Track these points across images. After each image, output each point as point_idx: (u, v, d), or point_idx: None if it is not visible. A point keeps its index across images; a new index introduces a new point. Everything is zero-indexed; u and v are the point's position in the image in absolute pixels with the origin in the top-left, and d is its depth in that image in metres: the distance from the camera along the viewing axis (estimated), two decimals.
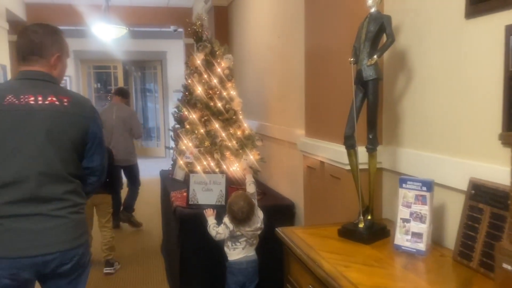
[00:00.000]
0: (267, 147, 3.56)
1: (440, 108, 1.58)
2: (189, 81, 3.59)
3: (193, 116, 3.39)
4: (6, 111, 1.63)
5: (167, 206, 3.60)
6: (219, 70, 3.38)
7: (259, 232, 2.52)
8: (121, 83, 10.24)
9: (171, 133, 4.52)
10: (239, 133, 3.35)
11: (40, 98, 1.66)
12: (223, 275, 2.58)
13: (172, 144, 4.33)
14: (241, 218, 2.41)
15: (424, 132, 1.67)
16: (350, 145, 1.67)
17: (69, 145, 1.69)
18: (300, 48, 2.55)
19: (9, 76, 6.05)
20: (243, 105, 3.47)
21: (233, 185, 3.10)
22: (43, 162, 1.64)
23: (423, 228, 1.46)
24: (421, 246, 1.46)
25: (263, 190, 3.32)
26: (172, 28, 7.88)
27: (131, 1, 7.02)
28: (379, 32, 1.60)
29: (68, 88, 7.47)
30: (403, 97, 1.79)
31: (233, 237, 2.48)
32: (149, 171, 7.02)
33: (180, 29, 7.81)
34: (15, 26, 6.49)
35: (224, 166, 3.18)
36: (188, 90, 3.66)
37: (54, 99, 1.68)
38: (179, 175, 3.61)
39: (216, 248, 2.60)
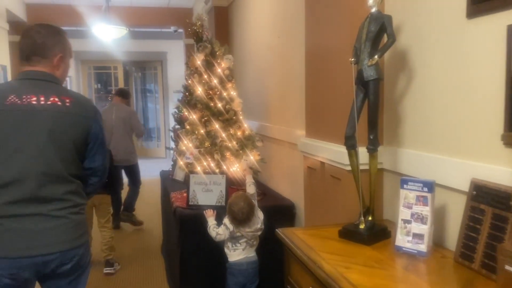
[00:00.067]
0: (267, 147, 3.55)
1: (441, 108, 1.57)
2: (189, 81, 3.58)
3: (193, 116, 3.39)
4: (8, 111, 1.63)
5: (167, 206, 3.59)
6: (219, 70, 3.37)
7: (259, 233, 2.51)
8: (121, 84, 10.25)
9: (171, 134, 4.52)
10: (239, 133, 3.34)
11: (42, 98, 1.66)
12: (223, 276, 2.57)
13: (172, 144, 4.33)
14: (241, 219, 2.40)
15: (425, 132, 1.66)
16: (350, 145, 1.67)
17: (71, 145, 1.69)
18: (301, 48, 2.55)
19: (9, 77, 6.04)
20: (243, 106, 3.46)
21: (233, 185, 3.09)
22: (44, 162, 1.64)
23: (424, 229, 1.46)
24: (422, 247, 1.45)
25: (263, 191, 3.31)
26: (172, 28, 7.88)
27: (131, 2, 7.02)
28: (380, 32, 1.59)
29: (68, 88, 7.45)
30: (404, 97, 1.78)
31: (233, 238, 2.48)
32: (150, 171, 7.02)
33: (181, 30, 7.81)
34: (16, 26, 6.49)
35: (224, 167, 3.18)
36: (188, 91, 3.65)
37: (56, 99, 1.68)
38: (179, 175, 3.61)
39: (216, 249, 2.59)
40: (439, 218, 1.54)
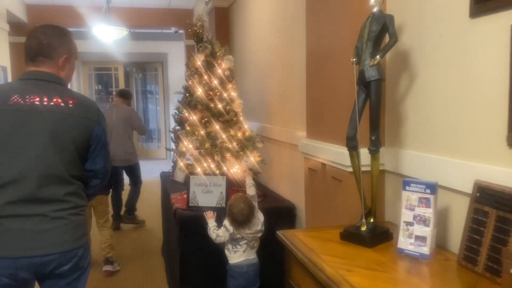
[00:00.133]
0: (267, 148, 3.53)
1: (444, 109, 1.55)
2: (190, 82, 3.57)
3: (194, 117, 3.37)
4: (11, 111, 1.63)
5: (167, 208, 3.58)
6: (219, 71, 3.36)
7: (259, 234, 2.49)
8: (122, 85, 10.24)
9: (172, 135, 4.52)
10: (239, 134, 3.32)
11: (45, 99, 1.66)
12: (224, 277, 2.55)
13: (172, 145, 4.32)
14: (241, 220, 2.38)
15: (428, 133, 1.64)
16: (352, 146, 1.65)
17: (72, 147, 1.69)
18: (301, 49, 2.53)
19: (9, 78, 6.04)
20: (244, 107, 3.45)
21: (233, 187, 3.08)
22: (45, 163, 1.63)
23: (427, 231, 1.44)
24: (425, 249, 1.43)
25: (264, 192, 3.29)
26: (173, 29, 7.88)
27: (132, 3, 7.01)
28: (381, 32, 1.58)
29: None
30: (406, 97, 1.76)
31: (234, 240, 2.46)
32: (150, 172, 7.02)
33: (181, 31, 7.81)
34: (16, 27, 6.48)
35: (225, 168, 3.16)
36: (188, 92, 3.64)
37: (60, 100, 1.68)
38: (180, 177, 3.59)
39: (216, 251, 2.58)
40: (442, 220, 1.53)
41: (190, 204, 2.88)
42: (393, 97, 1.85)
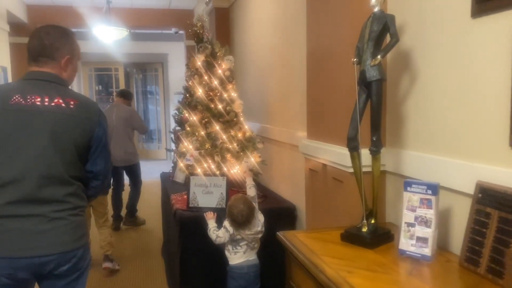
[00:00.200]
0: (268, 149, 3.52)
1: (445, 109, 1.54)
2: (190, 83, 3.56)
3: (194, 118, 3.37)
4: (12, 111, 1.63)
5: (167, 208, 3.57)
6: (219, 71, 3.35)
7: (259, 235, 2.48)
8: (122, 85, 10.24)
9: (172, 135, 4.51)
10: (240, 135, 3.32)
11: (46, 100, 1.66)
12: (224, 278, 2.54)
13: (172, 146, 4.31)
14: (241, 221, 2.37)
15: (429, 133, 1.63)
16: (353, 147, 1.64)
17: (72, 147, 1.68)
18: (302, 49, 2.52)
19: (9, 78, 6.03)
20: (244, 107, 3.44)
21: (234, 187, 3.07)
22: (45, 163, 1.63)
23: (428, 232, 1.43)
24: (427, 251, 1.42)
25: (264, 193, 3.28)
26: (173, 30, 7.87)
27: (132, 3, 7.01)
28: (382, 31, 1.57)
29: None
30: (407, 98, 1.75)
31: (234, 241, 2.45)
32: (150, 173, 7.01)
33: (181, 31, 7.80)
34: (16, 28, 6.48)
35: (225, 169, 3.15)
36: (188, 92, 3.63)
37: (61, 101, 1.68)
38: (180, 177, 3.59)
39: (216, 252, 2.57)
40: (443, 221, 1.52)
41: (190, 205, 2.87)
42: (394, 97, 1.84)
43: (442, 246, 1.53)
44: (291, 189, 3.12)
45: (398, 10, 1.76)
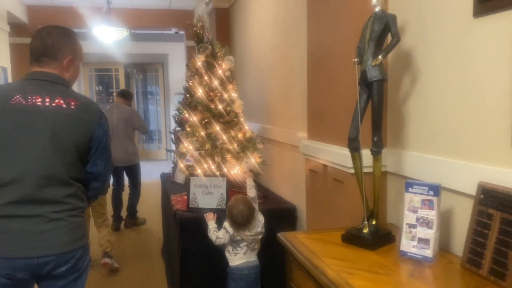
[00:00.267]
0: (268, 150, 3.51)
1: (447, 109, 1.53)
2: (190, 83, 3.55)
3: (194, 118, 3.36)
4: (13, 111, 1.62)
5: (167, 209, 3.56)
6: (220, 72, 3.34)
7: (259, 236, 2.47)
8: (122, 86, 10.24)
9: (172, 136, 4.50)
10: (240, 135, 3.31)
11: (47, 100, 1.66)
12: (224, 279, 2.53)
13: (173, 147, 4.30)
14: (241, 222, 2.36)
15: (430, 134, 1.62)
16: (354, 147, 1.63)
17: (73, 148, 1.68)
18: (302, 49, 2.52)
19: (10, 78, 6.03)
20: (244, 107, 3.43)
21: (234, 188, 3.06)
22: (45, 163, 1.62)
23: (430, 233, 1.42)
24: (428, 252, 1.41)
25: (264, 194, 3.27)
26: (173, 30, 7.86)
27: (133, 4, 7.00)
28: (384, 31, 1.56)
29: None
30: (408, 98, 1.74)
31: (234, 242, 2.44)
32: (151, 173, 7.00)
33: (182, 32, 7.80)
34: (16, 28, 6.48)
35: (225, 169, 3.14)
36: (189, 93, 3.62)
37: (62, 101, 1.67)
38: (180, 178, 3.58)
39: (216, 252, 2.56)
40: (445, 222, 1.50)
41: (190, 206, 2.86)
42: (395, 97, 1.83)
43: (443, 247, 1.51)
44: (292, 190, 3.11)
45: (399, 9, 1.75)
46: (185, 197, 2.95)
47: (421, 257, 1.42)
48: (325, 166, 2.12)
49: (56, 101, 1.66)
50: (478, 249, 1.30)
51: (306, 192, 2.43)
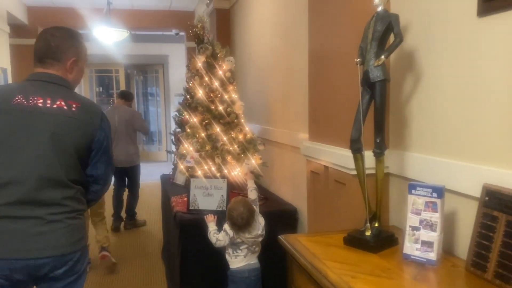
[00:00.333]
0: (269, 151, 3.49)
1: (450, 110, 1.51)
2: (190, 84, 3.54)
3: (194, 119, 3.34)
4: (14, 111, 1.62)
5: (167, 210, 3.54)
6: (220, 72, 3.32)
7: (260, 239, 2.45)
8: (122, 87, 10.23)
9: (172, 137, 4.49)
10: (240, 137, 3.28)
11: (49, 101, 1.65)
12: (224, 281, 2.51)
13: (173, 148, 4.29)
14: (241, 224, 2.34)
15: (434, 135, 1.60)
16: (356, 149, 1.61)
17: (72, 150, 1.67)
18: (303, 49, 2.50)
19: (10, 79, 6.02)
20: (245, 109, 3.41)
21: (234, 190, 3.04)
22: (44, 165, 1.62)
23: (433, 236, 1.39)
24: (432, 255, 1.39)
25: (265, 195, 3.25)
26: (174, 31, 7.85)
27: (133, 5, 6.99)
28: (386, 31, 1.54)
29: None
30: (411, 99, 1.72)
31: (234, 244, 2.42)
32: (151, 175, 6.99)
33: (182, 33, 7.78)
34: (16, 29, 6.46)
35: (226, 171, 3.12)
36: (189, 94, 3.61)
37: (63, 103, 1.67)
38: (180, 179, 3.56)
39: (217, 254, 2.54)
40: (449, 225, 1.48)
41: (190, 207, 2.84)
42: (397, 98, 1.81)
43: (447, 250, 1.49)
44: (293, 192, 3.09)
45: (402, 9, 1.73)
46: (185, 198, 2.93)
47: (425, 260, 1.40)
48: (326, 167, 2.10)
49: (58, 102, 1.66)
50: (483, 252, 1.28)
51: (307, 194, 2.41)
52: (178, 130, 4.11)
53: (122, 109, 4.96)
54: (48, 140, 1.62)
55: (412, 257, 1.43)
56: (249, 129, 3.38)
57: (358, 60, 1.58)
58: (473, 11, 1.38)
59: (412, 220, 1.45)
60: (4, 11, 5.90)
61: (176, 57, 9.60)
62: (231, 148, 3.20)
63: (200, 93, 3.32)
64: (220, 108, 3.27)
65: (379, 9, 1.56)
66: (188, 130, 3.36)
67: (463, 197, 1.44)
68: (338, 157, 1.94)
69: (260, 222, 2.46)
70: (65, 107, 1.66)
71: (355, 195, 1.77)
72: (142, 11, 7.22)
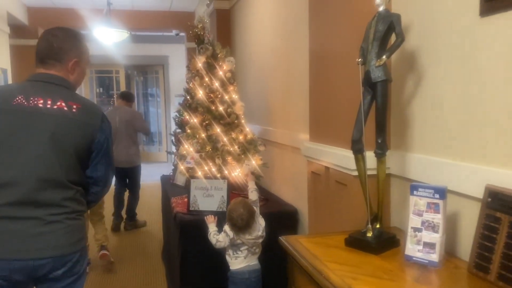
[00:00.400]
0: (269, 152, 3.49)
1: (452, 110, 1.50)
2: (191, 84, 3.53)
3: (194, 120, 3.33)
4: (14, 111, 1.61)
5: (167, 211, 3.53)
6: (220, 73, 3.31)
7: (260, 240, 2.44)
8: (123, 88, 10.23)
9: (172, 138, 4.48)
10: (241, 137, 3.27)
11: (49, 102, 1.65)
12: (224, 282, 2.50)
13: (173, 148, 4.28)
14: (241, 225, 2.33)
15: (436, 136, 1.59)
16: (357, 149, 1.60)
17: (72, 151, 1.66)
18: (304, 50, 2.49)
19: (10, 80, 6.01)
20: (245, 109, 3.40)
21: (235, 191, 3.03)
22: (44, 166, 1.61)
23: (435, 237, 1.38)
24: (434, 257, 1.38)
25: (266, 196, 3.25)
26: (174, 32, 7.84)
27: (133, 5, 6.99)
28: (388, 31, 1.53)
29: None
30: (413, 99, 1.71)
31: (234, 246, 2.41)
32: (151, 175, 6.98)
33: (182, 34, 7.78)
34: (16, 29, 6.46)
35: (226, 172, 3.11)
36: (189, 94, 3.60)
37: (63, 104, 1.66)
38: (180, 180, 3.55)
39: (217, 255, 2.53)
40: (451, 226, 1.47)
41: (190, 208, 2.83)
42: (399, 98, 1.80)
43: (450, 251, 1.48)
44: (293, 192, 3.08)
45: (403, 9, 1.72)
46: (186, 199, 2.92)
47: (427, 261, 1.39)
48: (327, 168, 2.09)
49: (58, 103, 1.65)
50: (485, 254, 1.27)
51: (308, 195, 2.40)
52: (179, 130, 4.10)
53: (123, 109, 4.96)
54: (48, 141, 1.61)
55: (414, 258, 1.42)
56: (249, 129, 3.37)
57: (360, 60, 1.57)
58: (475, 11, 1.37)
59: (414, 221, 1.43)
60: (4, 11, 5.90)
61: (176, 57, 9.60)
62: (231, 149, 3.19)
63: (200, 93, 3.31)
64: (221, 108, 3.26)
65: (381, 9, 1.55)
66: (189, 130, 3.35)
67: (466, 198, 1.43)
68: (339, 157, 1.93)
69: (260, 223, 2.44)
70: (65, 108, 1.66)
71: (356, 196, 1.76)
72: (142, 11, 7.22)
